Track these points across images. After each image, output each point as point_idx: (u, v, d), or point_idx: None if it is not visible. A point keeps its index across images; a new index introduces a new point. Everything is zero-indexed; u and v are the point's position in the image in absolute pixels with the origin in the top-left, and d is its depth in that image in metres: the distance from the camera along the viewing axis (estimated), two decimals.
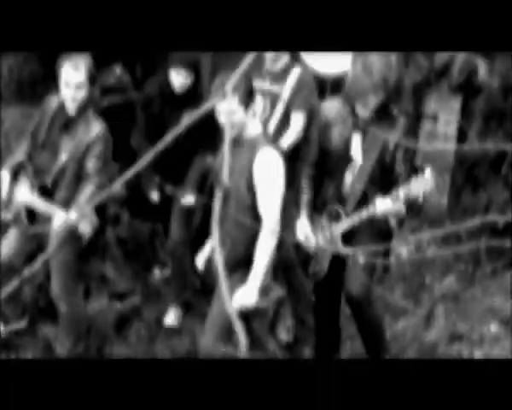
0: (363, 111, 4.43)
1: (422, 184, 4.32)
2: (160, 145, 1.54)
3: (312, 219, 4.71)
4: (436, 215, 6.12)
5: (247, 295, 4.18)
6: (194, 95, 5.45)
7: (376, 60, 4.37)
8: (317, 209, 4.71)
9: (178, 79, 5.41)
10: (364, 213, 4.49)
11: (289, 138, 5.19)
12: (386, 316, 5.56)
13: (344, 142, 4.53)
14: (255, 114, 4.32)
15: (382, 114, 4.45)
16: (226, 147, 2.10)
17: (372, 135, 4.44)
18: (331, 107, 4.60)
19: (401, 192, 4.35)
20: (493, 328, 4.78)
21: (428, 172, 4.33)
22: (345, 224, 4.59)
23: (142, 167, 1.50)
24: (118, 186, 1.45)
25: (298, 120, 5.22)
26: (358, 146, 4.51)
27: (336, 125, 4.54)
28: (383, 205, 4.41)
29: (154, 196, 5.64)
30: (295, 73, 5.27)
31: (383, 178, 4.51)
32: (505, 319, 4.83)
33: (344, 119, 4.51)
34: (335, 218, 4.64)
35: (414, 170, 4.53)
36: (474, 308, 5.12)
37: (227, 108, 4.07)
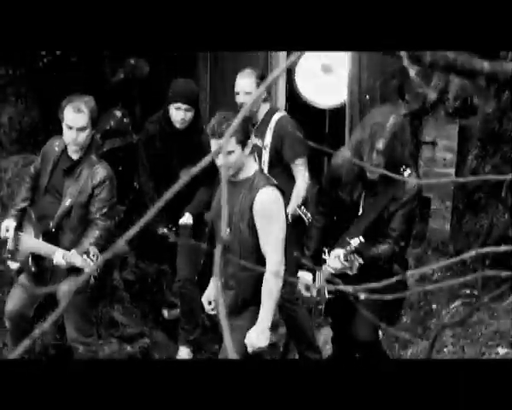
0: (371, 171, 4.35)
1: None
2: (161, 202, 1.59)
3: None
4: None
5: (259, 337, 4.19)
6: (195, 129, 5.49)
7: (374, 114, 4.39)
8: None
9: (179, 114, 5.44)
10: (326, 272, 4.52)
11: (299, 197, 5.25)
12: (395, 344, 5.56)
13: (351, 196, 4.50)
14: (252, 155, 4.33)
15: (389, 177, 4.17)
16: (224, 194, 2.06)
17: (375, 198, 4.44)
18: (342, 158, 4.54)
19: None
20: (501, 351, 4.78)
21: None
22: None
23: (144, 223, 1.55)
24: (122, 243, 1.50)
25: (301, 172, 5.29)
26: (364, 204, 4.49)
27: (345, 179, 4.51)
28: (333, 263, 4.44)
29: (165, 231, 5.65)
30: (274, 119, 5.34)
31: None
32: None
33: (353, 175, 4.46)
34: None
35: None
36: (481, 332, 5.13)
37: (223, 149, 4.07)
